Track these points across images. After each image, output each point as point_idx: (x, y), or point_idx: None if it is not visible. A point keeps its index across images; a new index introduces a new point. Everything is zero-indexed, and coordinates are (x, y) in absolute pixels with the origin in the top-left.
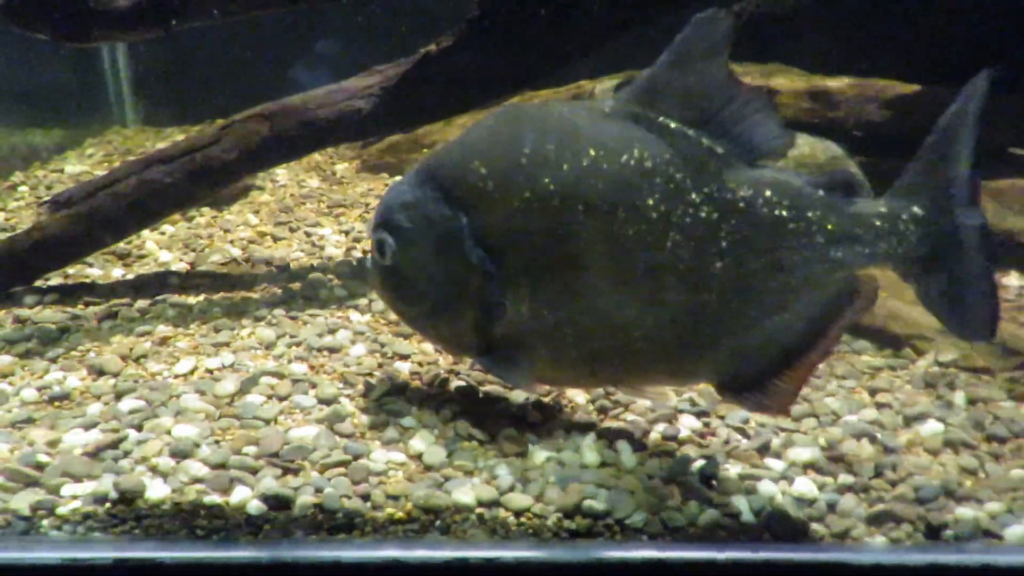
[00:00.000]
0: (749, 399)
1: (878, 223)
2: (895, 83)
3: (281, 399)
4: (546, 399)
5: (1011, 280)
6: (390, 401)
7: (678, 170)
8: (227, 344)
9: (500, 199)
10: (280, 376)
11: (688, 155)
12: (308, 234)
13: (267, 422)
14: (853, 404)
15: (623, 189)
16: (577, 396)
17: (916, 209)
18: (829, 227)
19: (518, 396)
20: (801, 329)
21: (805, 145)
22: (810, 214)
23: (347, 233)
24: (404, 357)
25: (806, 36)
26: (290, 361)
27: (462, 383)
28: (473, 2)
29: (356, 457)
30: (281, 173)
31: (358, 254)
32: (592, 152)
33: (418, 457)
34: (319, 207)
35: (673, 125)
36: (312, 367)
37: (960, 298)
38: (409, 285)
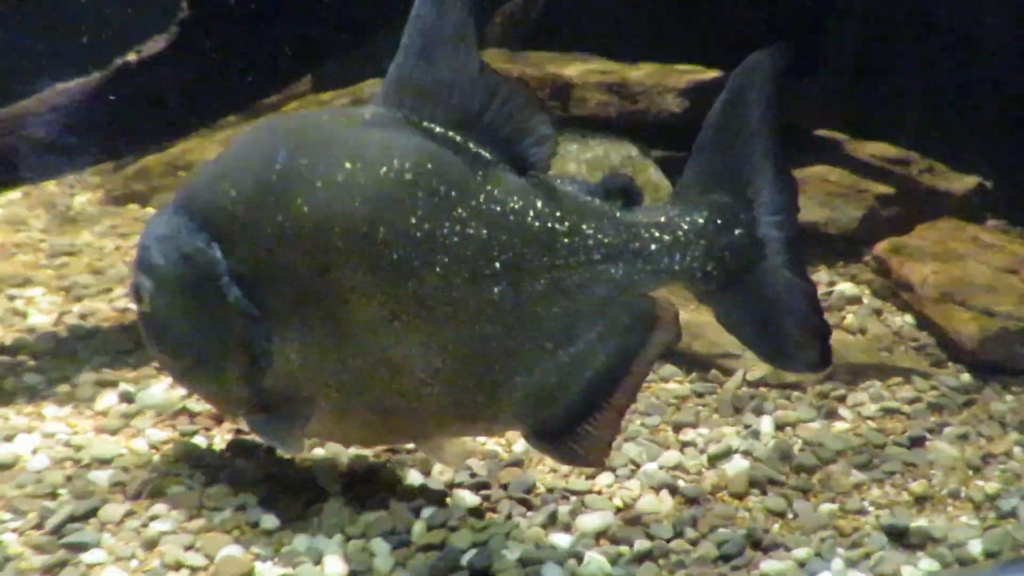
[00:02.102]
0: (561, 449)
1: (657, 234)
2: (695, 69)
3: None
4: (284, 496)
5: (820, 276)
6: (73, 529)
7: (442, 181)
8: None
9: (253, 226)
10: None
11: (452, 163)
12: (11, 298)
13: None
14: (654, 449)
15: (382, 206)
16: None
17: (697, 217)
18: (606, 241)
19: (254, 493)
20: (600, 363)
21: (598, 146)
22: (585, 227)
23: (67, 291)
24: (105, 463)
25: (607, 23)
26: None
27: (183, 486)
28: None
29: None
30: None
31: (74, 320)
32: (348, 166)
33: None
34: (36, 258)
35: (437, 130)
36: None
37: (772, 323)
38: (170, 334)
